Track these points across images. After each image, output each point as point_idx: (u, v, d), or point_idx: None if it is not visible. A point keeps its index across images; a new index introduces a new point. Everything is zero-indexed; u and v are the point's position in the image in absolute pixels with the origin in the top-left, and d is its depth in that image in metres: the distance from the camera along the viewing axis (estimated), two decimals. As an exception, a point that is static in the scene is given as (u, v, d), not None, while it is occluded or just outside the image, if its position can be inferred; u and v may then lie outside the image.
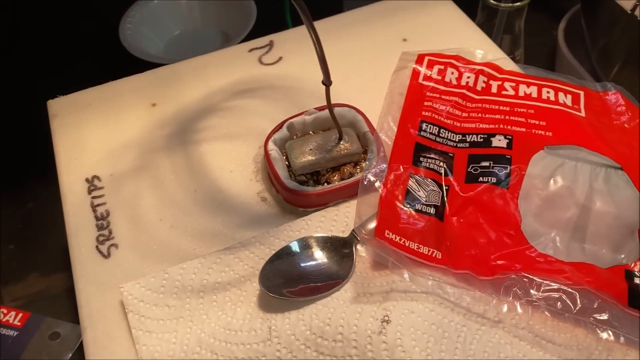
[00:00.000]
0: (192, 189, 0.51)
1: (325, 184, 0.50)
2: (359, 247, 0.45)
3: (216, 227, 0.49)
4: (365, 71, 0.60)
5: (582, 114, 0.53)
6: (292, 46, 0.64)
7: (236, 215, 0.49)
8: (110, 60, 0.91)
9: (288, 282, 0.43)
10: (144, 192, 0.52)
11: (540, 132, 0.51)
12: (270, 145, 0.50)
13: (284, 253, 0.45)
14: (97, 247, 0.48)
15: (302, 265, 0.44)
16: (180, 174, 0.53)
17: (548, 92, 0.55)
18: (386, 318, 0.41)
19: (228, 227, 0.49)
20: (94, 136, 0.56)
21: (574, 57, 0.79)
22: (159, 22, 0.98)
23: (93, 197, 0.51)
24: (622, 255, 0.44)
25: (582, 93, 0.55)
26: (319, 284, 0.43)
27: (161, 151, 0.55)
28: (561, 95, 0.55)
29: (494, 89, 0.56)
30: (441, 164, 0.49)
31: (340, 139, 0.50)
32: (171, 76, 0.62)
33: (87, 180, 0.53)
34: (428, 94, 0.55)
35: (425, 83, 0.56)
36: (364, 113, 0.52)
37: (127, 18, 0.94)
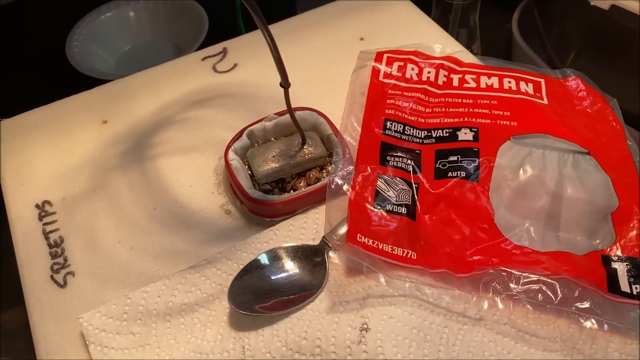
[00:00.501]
0: (151, 207, 0.49)
1: (292, 191, 0.48)
2: (331, 254, 0.43)
3: (179, 245, 0.46)
4: (323, 73, 0.58)
5: (545, 101, 0.53)
6: (247, 52, 0.62)
7: (200, 231, 0.47)
8: (58, 80, 0.87)
9: (259, 297, 0.41)
10: (100, 214, 0.49)
11: (505, 122, 0.50)
12: (231, 154, 0.48)
13: (253, 267, 0.43)
14: (52, 276, 0.45)
15: (272, 278, 0.42)
16: (138, 192, 0.50)
17: (509, 82, 0.54)
18: (365, 326, 0.39)
19: (192, 244, 0.46)
20: (43, 159, 0.53)
21: (529, 47, 0.80)
22: (108, 37, 0.94)
23: (45, 224, 0.48)
24: (597, 241, 0.44)
25: (542, 81, 0.55)
26: (292, 297, 0.41)
27: (116, 170, 0.52)
28: (522, 84, 0.54)
29: (455, 83, 0.55)
30: (409, 161, 0.47)
31: (303, 143, 0.48)
32: (122, 91, 0.59)
33: (37, 206, 0.49)
34: (390, 91, 0.53)
35: (386, 81, 0.54)
36: (326, 115, 0.51)
37: (73, 35, 0.90)
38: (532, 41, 0.81)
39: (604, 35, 0.68)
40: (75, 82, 0.84)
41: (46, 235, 0.47)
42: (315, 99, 0.56)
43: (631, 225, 0.44)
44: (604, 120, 0.52)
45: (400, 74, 0.55)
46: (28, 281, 0.45)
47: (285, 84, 0.42)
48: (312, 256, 0.43)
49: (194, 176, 0.51)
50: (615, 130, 0.51)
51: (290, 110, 0.45)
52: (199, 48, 0.85)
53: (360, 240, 0.42)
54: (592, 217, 0.45)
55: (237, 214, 0.48)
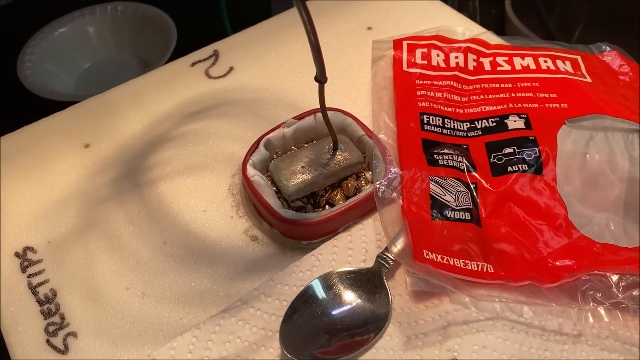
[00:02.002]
0: (160, 242, 0.40)
1: (327, 206, 0.40)
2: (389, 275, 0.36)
3: (203, 284, 0.38)
4: (334, 68, 0.51)
5: (588, 79, 0.47)
6: (240, 53, 0.54)
7: (224, 264, 0.39)
8: (11, 106, 0.77)
9: (316, 340, 0.33)
10: (98, 256, 0.40)
11: (554, 105, 0.44)
12: (250, 170, 0.40)
13: (302, 302, 0.35)
14: (48, 340, 0.36)
15: (329, 313, 0.35)
16: (141, 225, 0.41)
17: (546, 62, 0.48)
18: (455, 362, 0.32)
19: (218, 282, 0.38)
20: (17, 197, 0.44)
21: (526, 27, 0.75)
22: (65, 55, 0.84)
23: (30, 275, 0.39)
24: None
25: (579, 58, 0.50)
26: (357, 334, 0.34)
27: (109, 201, 0.43)
28: (559, 62, 0.49)
29: (487, 67, 0.48)
30: (460, 158, 0.41)
31: (335, 148, 0.41)
32: (102, 108, 0.50)
33: (17, 254, 0.40)
34: (418, 81, 0.47)
35: (411, 70, 0.48)
36: (353, 115, 0.44)
37: (25, 55, 0.80)
38: (529, 22, 0.76)
39: (613, 7, 0.64)
40: (32, 106, 0.74)
41: (33, 289, 0.38)
42: (330, 98, 0.48)
43: None
44: None
45: (425, 62, 0.48)
46: (18, 350, 0.36)
47: (321, 78, 0.34)
48: (368, 281, 0.36)
49: (206, 200, 0.43)
50: None
51: (324, 109, 0.37)
52: (170, 60, 0.77)
53: (427, 257, 0.35)
54: None
55: (265, 239, 0.40)
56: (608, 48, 0.50)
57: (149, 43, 0.86)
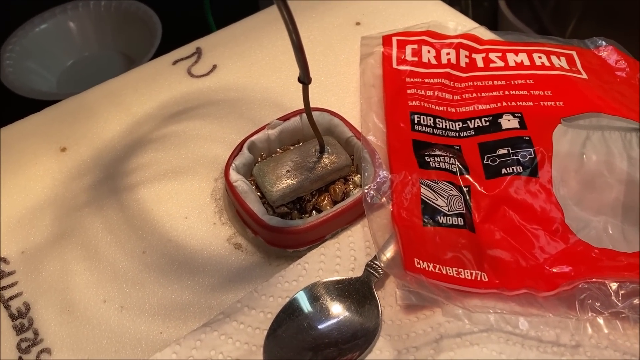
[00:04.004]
0: (139, 251, 0.38)
1: (314, 211, 0.39)
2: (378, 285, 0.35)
3: (183, 296, 0.36)
4: (321, 66, 0.49)
5: (584, 75, 0.46)
6: (224, 51, 0.52)
7: (206, 274, 0.37)
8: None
9: (303, 355, 0.32)
10: (74, 267, 0.38)
11: (549, 103, 0.43)
12: (233, 174, 0.39)
13: (287, 315, 0.33)
14: (20, 358, 0.34)
15: (315, 326, 0.33)
16: (119, 233, 0.39)
17: (540, 58, 0.47)
18: (448, 378, 0.31)
19: (199, 293, 0.36)
20: (-11, 204, 0.42)
21: (519, 21, 0.74)
22: (47, 52, 0.82)
23: (2, 288, 0.37)
24: None
25: (574, 53, 0.48)
26: (345, 348, 0.32)
27: (86, 208, 0.41)
28: (554, 58, 0.47)
29: (480, 63, 0.47)
30: (452, 160, 0.39)
31: (322, 151, 0.39)
32: (79, 110, 0.48)
33: (-12, 266, 0.38)
34: (408, 79, 0.45)
35: (401, 68, 0.46)
36: (341, 115, 0.42)
37: (4, 53, 0.78)
38: (523, 16, 0.75)
39: (608, 0, 0.62)
40: (13, 106, 0.72)
41: (6, 303, 0.36)
42: (317, 97, 0.46)
43: None
44: None
45: (416, 59, 0.47)
46: (-12, 369, 0.34)
47: (305, 79, 0.32)
48: (357, 292, 0.34)
49: (188, 206, 0.41)
50: None
51: (309, 111, 0.36)
52: (154, 56, 0.74)
53: (419, 266, 0.34)
54: None
55: (249, 247, 0.38)
56: (604, 43, 0.49)
57: (133, 39, 0.83)
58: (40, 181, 0.43)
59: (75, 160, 0.44)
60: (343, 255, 0.37)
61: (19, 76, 0.76)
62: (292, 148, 0.41)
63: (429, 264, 0.34)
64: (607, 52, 0.48)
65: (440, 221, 0.36)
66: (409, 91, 0.44)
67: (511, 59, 0.47)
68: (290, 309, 0.34)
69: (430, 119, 0.42)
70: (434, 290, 0.32)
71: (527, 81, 0.45)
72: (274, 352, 0.31)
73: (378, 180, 0.38)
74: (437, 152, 0.40)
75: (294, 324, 0.33)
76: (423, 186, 0.38)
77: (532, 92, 0.44)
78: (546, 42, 0.49)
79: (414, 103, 0.43)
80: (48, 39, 0.82)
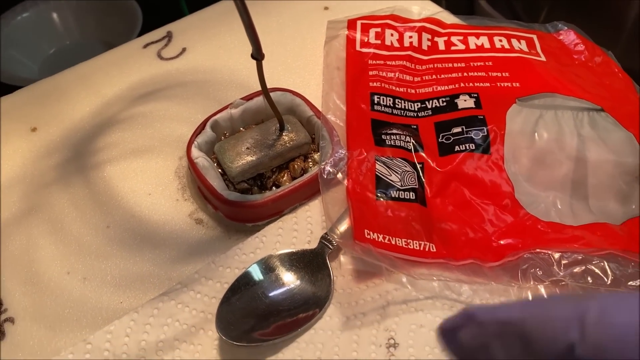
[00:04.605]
0: (103, 226, 0.40)
1: (274, 187, 0.40)
2: (338, 257, 0.36)
3: (144, 268, 0.37)
4: (288, 49, 0.50)
5: (543, 58, 0.47)
6: (194, 34, 0.53)
7: (167, 248, 0.38)
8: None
9: (255, 322, 0.33)
10: (40, 241, 0.39)
11: (506, 84, 0.44)
12: (195, 152, 0.40)
13: (242, 285, 0.34)
14: (-16, 327, 0.35)
15: (268, 295, 0.34)
16: (85, 209, 0.41)
17: (501, 41, 0.48)
18: (392, 341, 0.32)
19: (160, 266, 0.37)
20: (-41, 182, 0.43)
21: (494, 10, 0.75)
22: (28, 40, 0.83)
23: (-31, 261, 0.38)
24: (633, 206, 0.38)
25: (534, 37, 0.49)
26: (296, 316, 0.33)
27: (54, 185, 0.42)
28: (515, 41, 0.48)
29: (441, 46, 0.48)
30: (407, 138, 0.40)
31: (282, 129, 0.40)
32: (50, 92, 0.49)
33: (-44, 240, 0.39)
34: (370, 61, 0.46)
35: (364, 50, 0.47)
36: (302, 95, 0.43)
37: (-14, 41, 0.78)
38: (496, 4, 0.76)
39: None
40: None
41: (-28, 275, 0.38)
42: (282, 79, 0.48)
43: None
44: (609, 72, 0.46)
45: (379, 42, 0.48)
46: (-47, 337, 0.35)
47: (257, 55, 0.34)
48: (311, 263, 0.35)
49: (152, 183, 0.42)
50: (623, 81, 0.46)
51: (265, 87, 0.37)
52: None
53: (368, 236, 0.35)
54: (622, 179, 0.39)
55: (210, 222, 0.39)
56: (565, 27, 0.50)
57: (114, 27, 0.84)
58: (9, 160, 0.44)
59: (44, 140, 0.45)
60: (300, 228, 0.38)
61: (1, 64, 0.77)
62: (253, 127, 0.42)
63: (378, 234, 0.35)
64: (567, 36, 0.49)
65: (393, 195, 0.37)
66: (370, 73, 0.45)
67: (472, 42, 0.48)
68: (245, 279, 0.35)
69: (390, 100, 0.43)
70: (380, 259, 0.33)
71: (486, 63, 0.46)
72: (227, 319, 0.33)
73: (335, 157, 0.39)
74: (394, 131, 0.41)
75: (248, 293, 0.34)
76: (378, 162, 0.39)
77: (490, 73, 0.45)
78: (508, 26, 0.50)
79: (374, 84, 0.44)
80: (30, 28, 0.83)
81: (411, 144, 0.40)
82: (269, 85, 0.38)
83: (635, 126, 0.41)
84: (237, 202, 0.37)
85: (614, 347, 0.14)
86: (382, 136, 0.40)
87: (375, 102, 0.43)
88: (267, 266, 0.35)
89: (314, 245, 0.37)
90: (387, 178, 0.38)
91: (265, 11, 0.54)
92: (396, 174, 0.38)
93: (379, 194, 0.37)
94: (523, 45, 0.48)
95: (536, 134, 0.41)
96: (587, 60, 0.48)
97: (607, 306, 0.15)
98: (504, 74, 0.45)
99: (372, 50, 0.47)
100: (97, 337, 0.33)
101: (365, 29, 0.49)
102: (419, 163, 0.39)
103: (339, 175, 0.38)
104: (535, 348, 0.16)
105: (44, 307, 0.36)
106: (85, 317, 0.35)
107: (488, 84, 0.44)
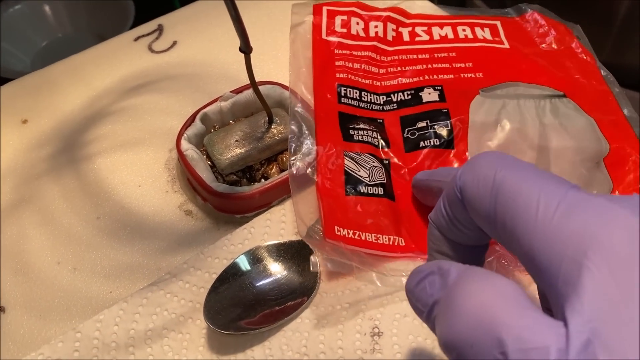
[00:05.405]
0: (94, 217, 0.39)
1: (262, 179, 0.40)
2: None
3: (134, 258, 0.37)
4: (279, 43, 0.49)
5: (506, 45, 0.45)
6: (185, 27, 0.52)
7: (157, 239, 0.38)
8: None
9: (242, 311, 0.32)
10: (30, 232, 0.38)
11: (469, 75, 0.42)
12: (184, 144, 0.39)
13: (229, 275, 0.34)
14: (-25, 317, 0.35)
15: (255, 285, 0.34)
16: (75, 200, 0.40)
17: (464, 30, 0.46)
18: (376, 330, 0.32)
19: (149, 256, 0.37)
20: (-50, 173, 0.42)
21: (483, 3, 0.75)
22: (20, 33, 0.81)
23: (-41, 252, 0.38)
24: (595, 191, 0.38)
25: (498, 23, 0.47)
26: (282, 305, 0.33)
27: (44, 177, 0.41)
28: (478, 30, 0.46)
29: (406, 37, 0.45)
30: (374, 134, 0.39)
31: (270, 122, 0.40)
32: (41, 84, 0.48)
33: (-53, 231, 0.39)
34: (337, 51, 0.43)
35: (330, 39, 0.44)
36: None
37: (-22, 33, 0.78)
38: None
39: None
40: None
41: (-38, 266, 0.37)
42: (272, 72, 0.46)
43: (627, 168, 0.37)
44: (572, 54, 0.44)
45: (345, 30, 0.45)
46: (-56, 328, 0.35)
47: (246, 48, 0.33)
48: (298, 254, 0.35)
49: (142, 175, 0.41)
50: (586, 63, 0.44)
51: (253, 80, 0.36)
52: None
53: (339, 233, 0.33)
54: (584, 166, 0.38)
55: (200, 213, 0.39)
56: (528, 9, 0.48)
57: (106, 20, 0.83)
58: (1, 151, 0.44)
59: (35, 131, 0.44)
60: (288, 220, 0.38)
61: (-7, 56, 0.76)
62: (243, 119, 0.42)
63: (349, 230, 0.33)
64: (530, 19, 0.48)
65: (362, 190, 0.35)
66: (337, 63, 0.42)
67: (436, 32, 0.46)
68: (233, 269, 0.34)
69: (356, 92, 0.41)
70: (350, 257, 0.32)
71: (450, 54, 0.44)
72: (214, 307, 0.32)
73: (304, 152, 0.37)
74: (361, 126, 0.38)
75: (236, 283, 0.34)
76: (347, 158, 0.37)
77: (453, 64, 0.43)
78: (473, 15, 0.47)
79: (341, 75, 0.41)
80: (22, 20, 0.81)
81: (378, 140, 0.38)
82: (258, 79, 0.37)
83: (597, 109, 0.41)
84: (225, 193, 0.37)
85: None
86: (350, 131, 0.38)
87: (342, 94, 0.40)
88: (255, 257, 0.35)
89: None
90: (355, 173, 0.37)
91: (255, 4, 0.53)
92: (364, 170, 0.37)
93: (348, 190, 0.35)
94: (487, 34, 0.46)
95: (499, 124, 0.39)
96: (551, 43, 0.47)
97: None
98: (467, 65, 0.43)
99: (338, 39, 0.44)
100: (86, 326, 0.33)
101: (331, 16, 0.45)
102: (385, 159, 0.37)
103: (309, 171, 0.36)
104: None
105: (35, 296, 0.35)
106: (75, 307, 0.35)
107: (452, 76, 0.42)
